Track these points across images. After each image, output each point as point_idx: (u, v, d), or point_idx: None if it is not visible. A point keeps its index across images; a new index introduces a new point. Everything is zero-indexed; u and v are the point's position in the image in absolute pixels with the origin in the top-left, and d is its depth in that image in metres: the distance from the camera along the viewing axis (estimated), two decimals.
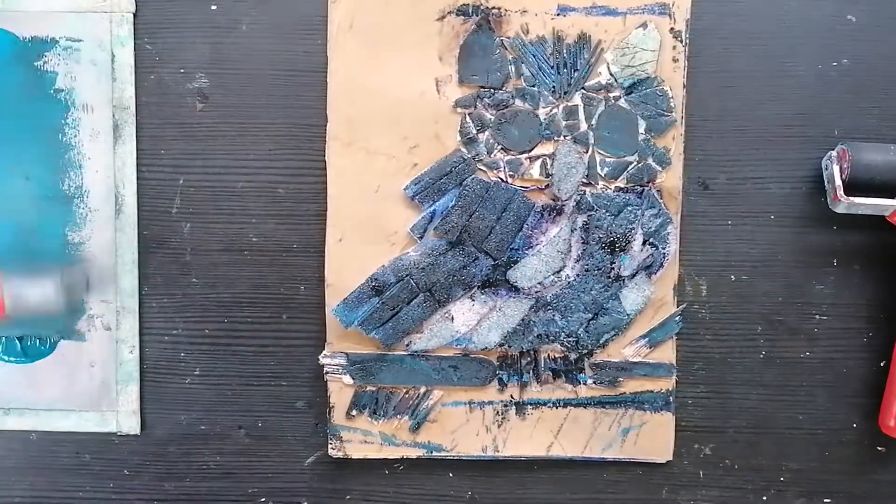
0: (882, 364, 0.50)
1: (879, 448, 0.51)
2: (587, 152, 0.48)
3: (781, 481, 0.51)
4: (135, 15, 0.49)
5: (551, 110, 0.48)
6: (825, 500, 0.51)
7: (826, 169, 0.48)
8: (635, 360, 0.49)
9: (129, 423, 0.51)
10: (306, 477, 0.52)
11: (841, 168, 0.47)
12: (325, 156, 0.49)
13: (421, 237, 0.49)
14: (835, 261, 0.50)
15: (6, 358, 0.51)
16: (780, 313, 0.50)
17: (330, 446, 0.50)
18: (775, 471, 0.51)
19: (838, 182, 0.47)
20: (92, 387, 0.51)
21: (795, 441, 0.51)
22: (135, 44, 0.50)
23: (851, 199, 0.46)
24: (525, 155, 0.48)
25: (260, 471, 0.52)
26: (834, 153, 0.47)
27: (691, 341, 0.50)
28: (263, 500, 0.52)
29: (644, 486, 0.51)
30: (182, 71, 0.50)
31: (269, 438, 0.52)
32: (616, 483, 0.51)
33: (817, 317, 0.50)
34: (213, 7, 0.49)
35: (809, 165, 0.49)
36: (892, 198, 0.46)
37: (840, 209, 0.47)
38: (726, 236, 0.50)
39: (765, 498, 0.51)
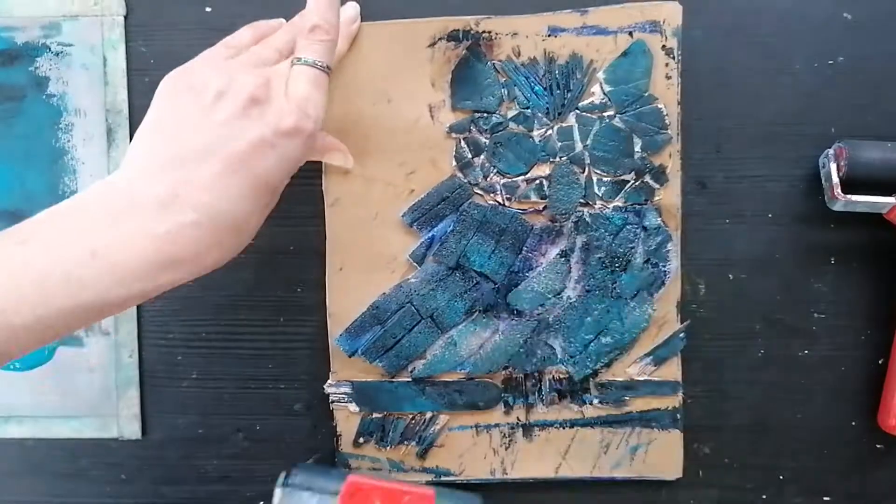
0: (881, 362, 0.50)
1: (878, 446, 0.51)
2: (584, 172, 0.48)
3: (780, 479, 0.51)
4: (126, 18, 0.49)
5: (546, 132, 0.48)
6: (824, 498, 0.51)
7: (823, 167, 0.48)
8: (640, 378, 0.49)
9: (130, 428, 0.51)
10: None
11: (838, 166, 0.47)
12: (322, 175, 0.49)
13: (420, 264, 0.48)
14: (833, 259, 0.50)
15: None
16: (779, 312, 0.50)
17: None
18: (774, 469, 0.51)
19: (835, 180, 0.47)
20: (92, 392, 0.51)
21: (794, 439, 0.51)
22: (129, 46, 0.49)
23: (849, 196, 0.46)
24: (521, 177, 0.48)
25: (258, 474, 0.52)
26: (831, 151, 0.47)
27: (690, 340, 0.49)
28: (262, 503, 0.52)
29: (643, 486, 0.51)
30: None
31: (268, 441, 0.52)
32: (614, 482, 0.51)
33: (816, 315, 0.50)
34: (208, 9, 0.49)
35: (806, 163, 0.49)
36: (890, 195, 0.46)
37: (837, 207, 0.47)
38: (724, 235, 0.50)
39: (764, 496, 0.51)
